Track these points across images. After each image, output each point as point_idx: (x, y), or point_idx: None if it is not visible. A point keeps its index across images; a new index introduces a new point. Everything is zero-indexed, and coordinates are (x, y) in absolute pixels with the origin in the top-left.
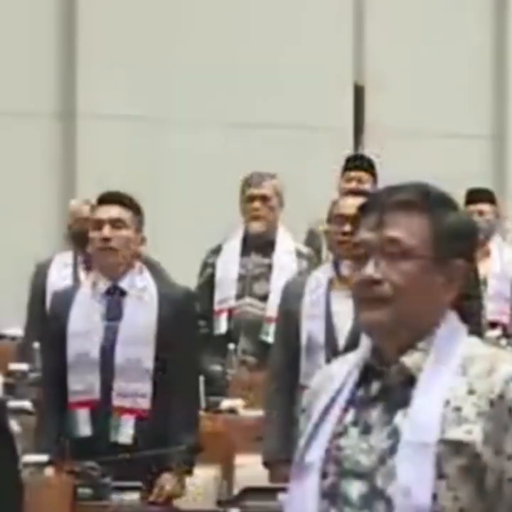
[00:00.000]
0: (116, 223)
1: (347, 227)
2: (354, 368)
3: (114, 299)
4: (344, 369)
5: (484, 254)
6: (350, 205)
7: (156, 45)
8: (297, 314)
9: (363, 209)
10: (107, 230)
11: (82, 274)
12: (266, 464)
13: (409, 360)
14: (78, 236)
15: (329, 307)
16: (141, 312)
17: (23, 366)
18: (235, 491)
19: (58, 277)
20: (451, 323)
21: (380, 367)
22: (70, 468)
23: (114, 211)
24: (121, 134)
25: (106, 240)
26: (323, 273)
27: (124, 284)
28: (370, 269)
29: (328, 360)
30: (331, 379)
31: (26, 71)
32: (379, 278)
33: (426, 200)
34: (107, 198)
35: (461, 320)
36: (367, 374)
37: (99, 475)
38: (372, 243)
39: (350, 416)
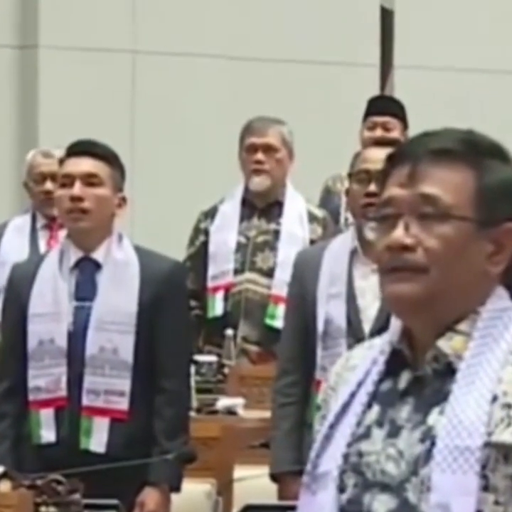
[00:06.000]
0: (89, 179)
1: (372, 187)
2: (379, 355)
3: (86, 273)
4: (368, 356)
5: None
6: (376, 158)
7: None
8: (312, 293)
9: (391, 160)
10: (77, 188)
11: (41, 242)
12: (273, 476)
13: (446, 345)
14: (36, 195)
15: (352, 284)
16: (120, 290)
17: None
18: (234, 510)
19: (13, 245)
20: (500, 301)
21: (411, 353)
22: (31, 482)
23: (86, 164)
24: (94, 70)
25: (76, 199)
26: (342, 242)
27: (98, 255)
28: (399, 233)
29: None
30: (352, 369)
31: None
32: (410, 243)
33: (470, 149)
34: (78, 149)
35: None
36: (395, 362)
37: (66, 490)
38: (403, 201)
39: (373, 414)
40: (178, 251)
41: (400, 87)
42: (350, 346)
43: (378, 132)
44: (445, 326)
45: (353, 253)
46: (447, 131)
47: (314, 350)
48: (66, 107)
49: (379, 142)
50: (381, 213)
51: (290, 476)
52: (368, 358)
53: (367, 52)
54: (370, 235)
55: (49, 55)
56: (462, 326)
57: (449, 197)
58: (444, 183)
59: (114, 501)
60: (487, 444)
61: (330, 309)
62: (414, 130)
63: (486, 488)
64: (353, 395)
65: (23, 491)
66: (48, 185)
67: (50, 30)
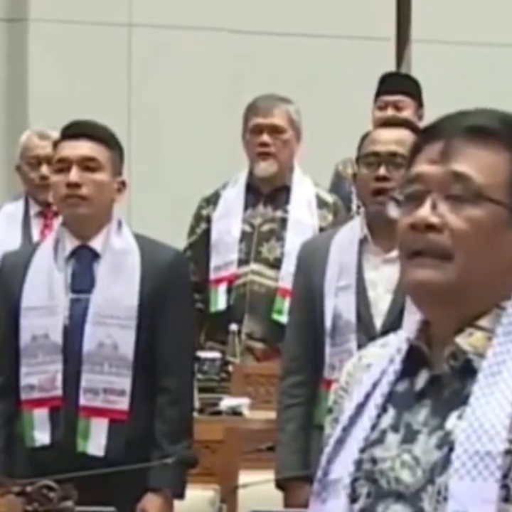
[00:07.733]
0: (86, 164)
1: (382, 170)
2: (396, 354)
3: (83, 263)
4: (384, 355)
5: None
6: (386, 139)
7: None
8: (319, 286)
9: (424, 135)
10: (74, 173)
11: (35, 231)
12: (279, 482)
13: (465, 341)
14: (30, 180)
15: (362, 276)
16: (119, 281)
17: None
18: None
19: (4, 234)
20: None
21: (429, 350)
22: (20, 488)
23: (83, 148)
24: (87, 44)
25: (74, 185)
26: (351, 230)
27: (96, 243)
28: (425, 211)
29: (360, 346)
30: (366, 369)
31: None
32: (436, 222)
33: (508, 130)
34: (74, 130)
35: None
36: (412, 361)
37: (58, 497)
38: (433, 178)
39: (388, 418)
40: (177, 239)
41: (417, 62)
42: (360, 342)
43: (390, 112)
44: (466, 320)
45: (363, 242)
46: (486, 110)
47: (322, 348)
48: (57, 85)
49: (388, 123)
50: (407, 191)
51: (296, 482)
52: (383, 356)
53: (382, 25)
54: (393, 212)
55: (40, 28)
56: (483, 322)
57: (481, 177)
58: (478, 163)
59: (110, 509)
60: (508, 452)
61: (338, 303)
62: (432, 106)
63: (506, 499)
64: (368, 396)
65: (11, 498)
66: (44, 169)
67: (41, 1)
